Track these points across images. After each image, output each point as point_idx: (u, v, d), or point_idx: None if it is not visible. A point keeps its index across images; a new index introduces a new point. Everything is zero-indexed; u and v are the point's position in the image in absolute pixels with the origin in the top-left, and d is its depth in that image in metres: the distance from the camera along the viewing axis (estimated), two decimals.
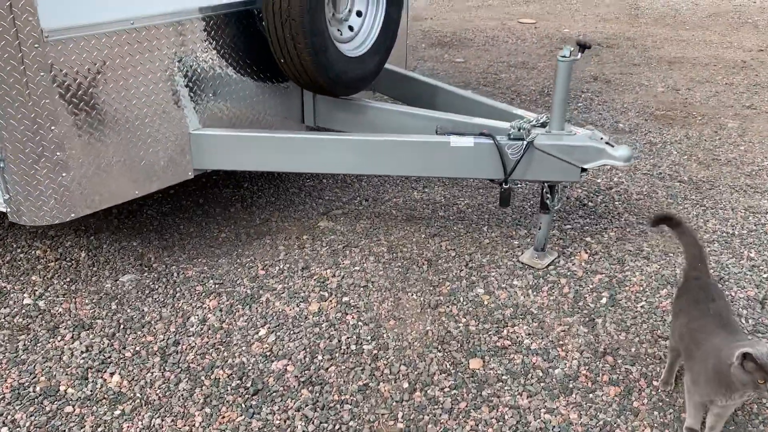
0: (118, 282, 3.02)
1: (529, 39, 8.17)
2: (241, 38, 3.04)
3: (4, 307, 2.84)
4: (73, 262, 3.18)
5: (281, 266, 3.14)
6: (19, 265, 3.15)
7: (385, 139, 2.87)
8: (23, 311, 2.81)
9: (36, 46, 2.31)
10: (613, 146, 2.81)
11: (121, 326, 2.72)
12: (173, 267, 3.14)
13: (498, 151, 2.84)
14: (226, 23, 2.94)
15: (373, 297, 2.91)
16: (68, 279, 3.04)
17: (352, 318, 2.77)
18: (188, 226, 3.53)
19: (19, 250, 3.27)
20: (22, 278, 3.05)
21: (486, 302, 2.88)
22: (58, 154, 2.49)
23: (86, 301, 2.88)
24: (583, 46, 2.81)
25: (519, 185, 3.96)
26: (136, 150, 2.74)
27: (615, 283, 3.02)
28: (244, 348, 2.60)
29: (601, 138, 2.84)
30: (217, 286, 3.00)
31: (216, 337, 2.66)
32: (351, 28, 3.32)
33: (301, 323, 2.74)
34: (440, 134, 2.93)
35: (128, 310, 2.83)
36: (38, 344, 2.62)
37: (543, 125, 2.96)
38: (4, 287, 2.98)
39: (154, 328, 2.71)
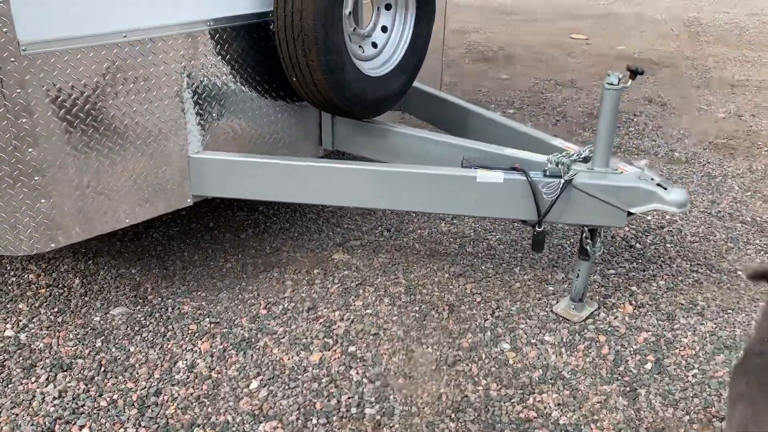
0: (108, 315, 2.77)
1: (580, 56, 7.73)
2: (250, 53, 2.77)
3: None
4: (65, 289, 2.95)
5: (285, 305, 2.84)
6: (8, 290, 2.94)
7: (400, 170, 2.55)
8: (1, 345, 2.58)
9: (12, 60, 2.07)
10: (665, 189, 2.42)
11: (102, 368, 2.46)
12: (169, 300, 2.88)
13: (531, 190, 2.48)
14: (233, 37, 2.67)
15: (383, 348, 2.58)
16: (56, 309, 2.81)
17: (357, 373, 2.45)
18: (193, 253, 3.27)
19: (12, 273, 3.06)
20: (9, 305, 2.83)
21: (511, 361, 2.52)
22: (36, 178, 2.25)
23: (70, 336, 2.64)
24: (634, 72, 2.44)
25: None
26: (126, 175, 2.48)
27: (663, 345, 2.61)
28: (231, 403, 2.31)
29: (652, 179, 2.46)
30: (212, 325, 2.71)
31: (202, 388, 2.37)
32: (374, 45, 3.01)
33: (299, 376, 2.43)
34: (466, 167, 2.59)
35: (113, 350, 2.57)
36: (10, 385, 2.38)
37: (585, 160, 2.59)
38: None
39: (137, 373, 2.44)
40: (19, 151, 2.18)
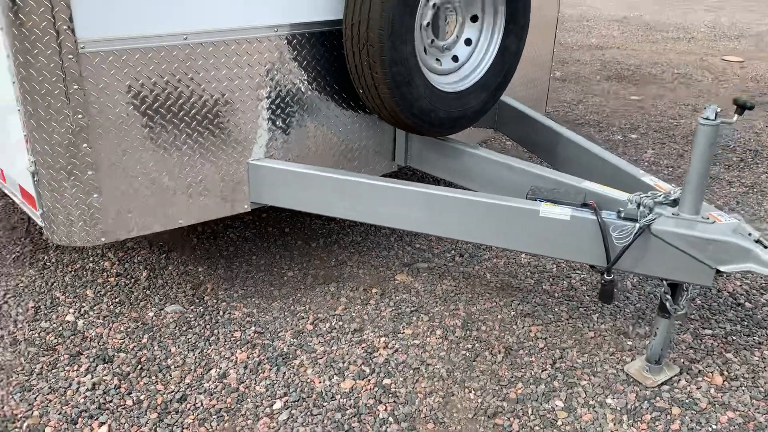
0: (162, 312, 2.80)
1: (730, 80, 6.97)
2: (322, 61, 2.68)
3: (46, 321, 2.74)
4: (131, 280, 3.03)
5: (333, 323, 2.73)
6: (83, 275, 3.07)
7: (456, 196, 2.33)
8: (60, 328, 2.69)
9: (71, 57, 2.12)
10: (766, 247, 2.02)
11: (140, 366, 2.48)
12: (223, 303, 2.86)
13: (601, 232, 2.18)
14: (304, 44, 2.59)
15: (421, 385, 2.38)
16: (117, 300, 2.88)
17: (385, 409, 2.27)
18: (260, 257, 3.25)
19: (90, 259, 3.20)
20: (78, 290, 2.95)
21: (560, 422, 2.22)
22: (89, 173, 2.29)
23: (121, 329, 2.69)
24: (742, 106, 2.06)
25: None
26: (182, 176, 2.48)
27: (751, 430, 2.19)
28: (249, 422, 2.22)
29: (750, 234, 2.06)
30: (256, 335, 2.65)
31: (226, 401, 2.31)
32: (455, 59, 2.81)
33: (324, 403, 2.30)
34: (530, 198, 2.33)
35: (155, 348, 2.58)
36: (53, 370, 2.45)
37: (674, 203, 2.23)
38: (57, 298, 2.89)
39: (170, 375, 2.43)
40: (75, 146, 2.24)
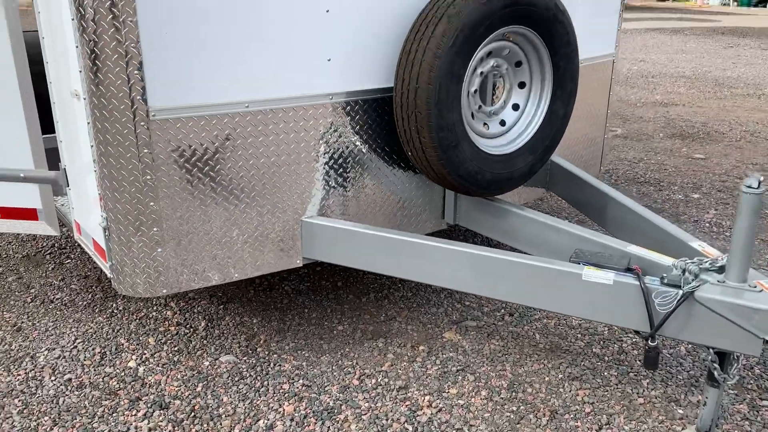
0: (217, 361, 2.93)
1: None
2: (375, 125, 2.82)
3: (110, 366, 2.91)
4: (190, 330, 3.18)
5: (379, 379, 2.78)
6: (146, 323, 3.25)
7: (499, 257, 2.38)
8: (122, 374, 2.84)
9: (142, 123, 2.33)
10: None
11: (193, 413, 2.59)
12: (274, 355, 2.97)
13: (644, 297, 2.17)
14: (354, 109, 2.74)
15: None
16: (177, 348, 3.03)
17: None
18: (313, 310, 3.35)
19: (153, 308, 3.39)
20: (141, 338, 3.12)
21: None
22: (155, 229, 2.47)
23: (178, 377, 2.82)
24: None
25: None
26: (238, 232, 2.64)
27: None
28: None
29: None
30: (303, 388, 2.73)
31: None
32: (503, 123, 2.90)
33: None
34: (574, 261, 2.35)
35: (209, 397, 2.69)
36: (113, 415, 2.60)
37: (720, 270, 2.21)
38: (122, 344, 3.07)
39: (220, 425, 2.53)
40: (142, 204, 2.43)
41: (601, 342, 3.06)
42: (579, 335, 3.12)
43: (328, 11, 2.55)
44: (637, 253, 2.42)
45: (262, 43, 2.47)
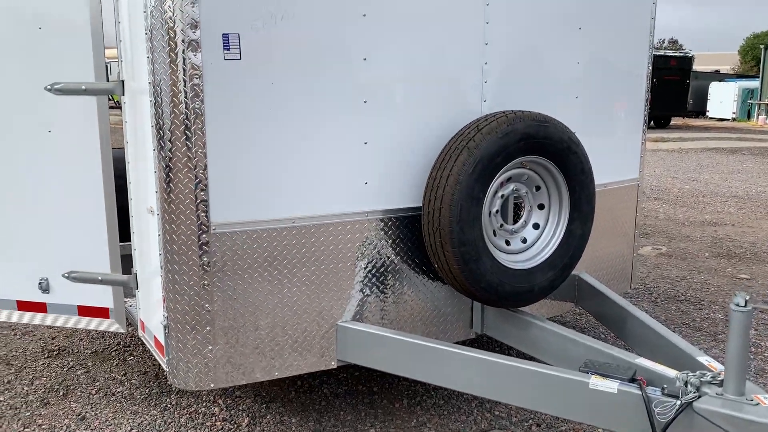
0: None
1: None
2: (406, 240, 3.15)
3: None
4: (234, 425, 3.43)
5: None
6: (195, 417, 3.52)
7: (510, 364, 2.59)
8: None
9: (204, 236, 2.73)
10: None
11: None
12: None
13: (645, 406, 2.33)
14: (388, 225, 3.09)
15: None
16: None
17: None
18: (347, 414, 3.56)
19: (203, 404, 3.67)
20: (190, 431, 3.38)
21: None
22: (207, 328, 2.81)
23: None
24: None
25: None
26: (282, 335, 2.94)
27: None
28: None
29: None
30: None
31: None
32: (524, 240, 3.18)
33: None
34: (582, 371, 2.53)
35: None
36: None
37: (721, 383, 2.35)
38: None
39: None
40: (199, 306, 2.78)
41: None
42: None
43: (366, 143, 2.97)
44: (644, 364, 2.58)
45: (308, 171, 2.89)
